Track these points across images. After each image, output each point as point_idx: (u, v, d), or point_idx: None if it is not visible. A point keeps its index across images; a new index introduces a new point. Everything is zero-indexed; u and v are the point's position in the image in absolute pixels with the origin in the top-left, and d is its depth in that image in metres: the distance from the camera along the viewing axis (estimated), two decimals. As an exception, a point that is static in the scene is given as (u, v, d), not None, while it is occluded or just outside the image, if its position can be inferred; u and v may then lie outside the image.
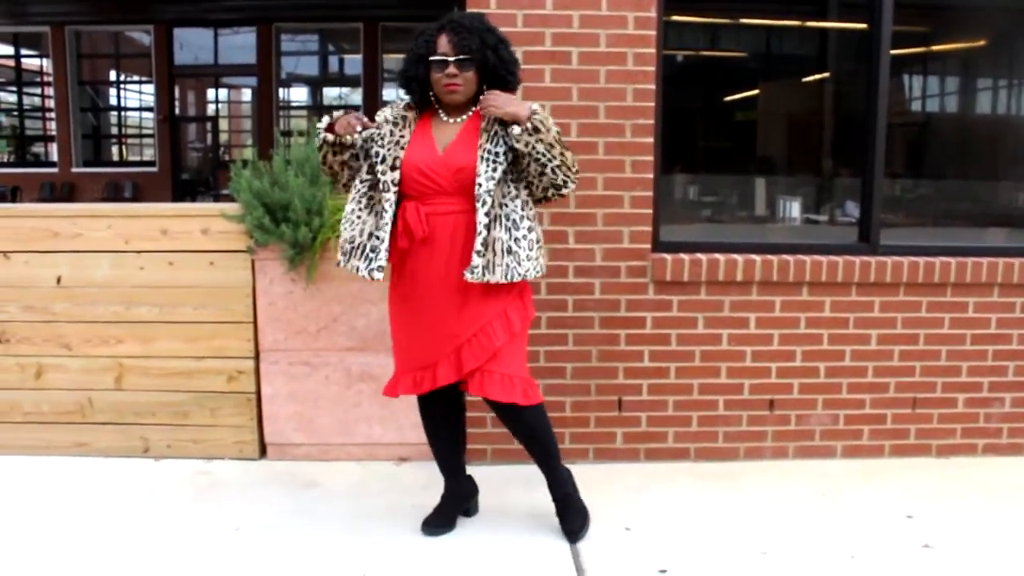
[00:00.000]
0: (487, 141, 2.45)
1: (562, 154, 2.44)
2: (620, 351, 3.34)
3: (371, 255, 2.48)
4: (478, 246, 2.40)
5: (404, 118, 2.54)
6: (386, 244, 2.45)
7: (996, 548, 2.69)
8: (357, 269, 2.50)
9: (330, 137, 2.50)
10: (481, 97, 2.48)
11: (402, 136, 2.52)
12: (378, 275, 2.46)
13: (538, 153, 2.40)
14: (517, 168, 2.48)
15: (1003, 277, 3.41)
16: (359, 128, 2.47)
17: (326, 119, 2.56)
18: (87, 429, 3.43)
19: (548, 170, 2.44)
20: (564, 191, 2.53)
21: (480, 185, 2.41)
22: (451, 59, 2.43)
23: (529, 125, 2.36)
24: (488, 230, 2.42)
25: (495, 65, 2.47)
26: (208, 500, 3.04)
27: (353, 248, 2.52)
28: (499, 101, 2.41)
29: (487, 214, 2.42)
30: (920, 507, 3.00)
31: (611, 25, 3.17)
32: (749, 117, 5.13)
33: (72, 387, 3.41)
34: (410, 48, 2.52)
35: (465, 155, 2.46)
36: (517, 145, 2.39)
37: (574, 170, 2.51)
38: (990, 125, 5.04)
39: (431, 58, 2.45)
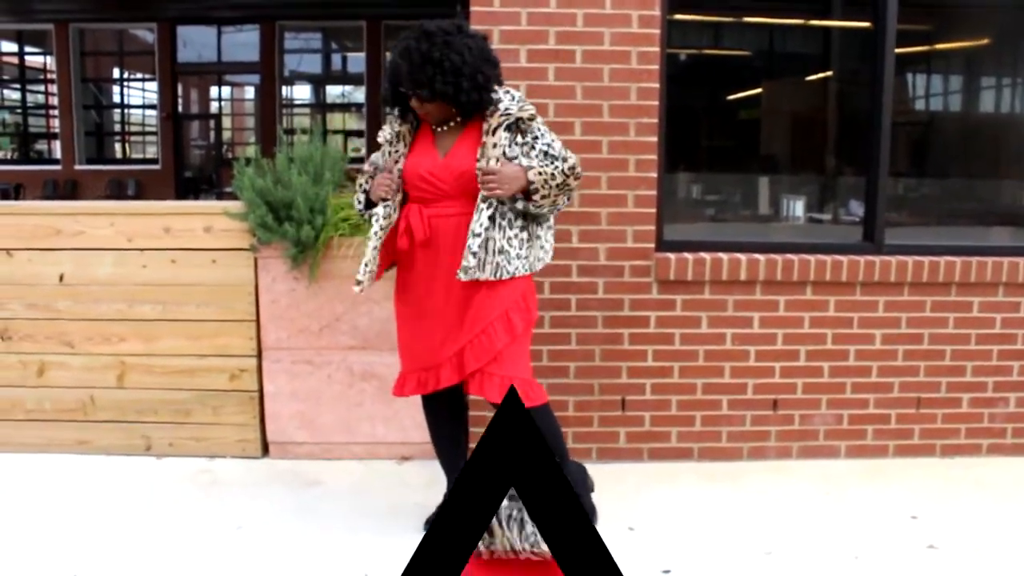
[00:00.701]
0: (497, 150, 2.43)
1: (567, 196, 2.52)
2: (623, 350, 3.33)
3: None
4: (475, 247, 2.40)
5: (399, 134, 2.57)
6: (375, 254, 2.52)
7: (1001, 549, 2.68)
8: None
9: (381, 211, 2.52)
10: (478, 173, 2.41)
11: (396, 151, 2.57)
12: (356, 288, 2.51)
13: (541, 210, 2.49)
14: None
15: (1008, 276, 3.40)
16: (395, 188, 2.52)
17: (363, 187, 2.64)
18: (89, 427, 3.43)
19: (554, 210, 2.55)
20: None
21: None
22: (411, 93, 2.44)
23: (531, 206, 2.44)
24: (486, 231, 2.42)
25: (443, 98, 2.42)
26: (210, 498, 3.04)
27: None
28: (499, 190, 2.39)
29: (490, 217, 2.42)
30: (924, 507, 2.99)
31: (615, 24, 3.16)
32: (753, 116, 5.12)
33: (74, 385, 3.41)
34: (386, 69, 2.55)
35: (466, 159, 2.47)
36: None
37: (576, 192, 2.60)
38: (995, 124, 5.03)
39: (400, 89, 2.48)
